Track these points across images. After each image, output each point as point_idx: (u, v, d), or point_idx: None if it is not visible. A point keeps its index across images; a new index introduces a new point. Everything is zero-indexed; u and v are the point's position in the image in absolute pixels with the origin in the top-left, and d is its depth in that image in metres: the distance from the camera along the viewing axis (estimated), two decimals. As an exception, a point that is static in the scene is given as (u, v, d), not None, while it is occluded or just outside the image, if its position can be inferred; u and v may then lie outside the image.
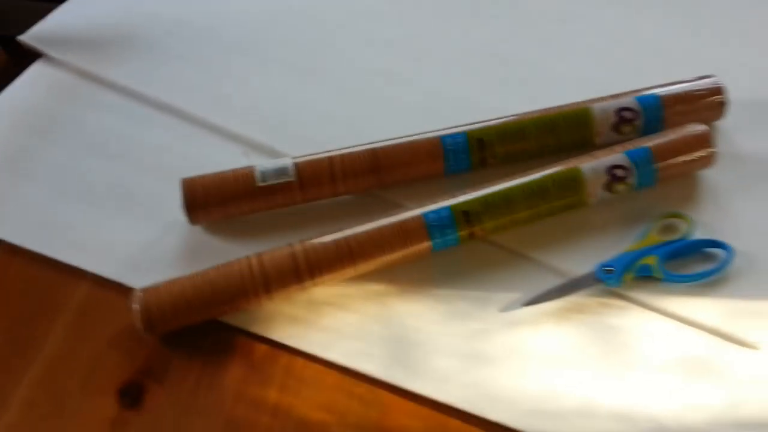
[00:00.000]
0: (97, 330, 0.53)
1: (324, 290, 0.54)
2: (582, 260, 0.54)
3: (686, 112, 0.60)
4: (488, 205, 0.54)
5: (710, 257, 0.54)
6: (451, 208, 0.54)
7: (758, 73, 0.67)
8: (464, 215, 0.54)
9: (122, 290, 0.54)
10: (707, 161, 0.57)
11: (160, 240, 0.58)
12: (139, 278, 0.53)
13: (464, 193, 0.55)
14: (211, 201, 0.56)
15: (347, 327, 0.52)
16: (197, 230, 0.58)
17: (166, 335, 0.52)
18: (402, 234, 0.53)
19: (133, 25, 0.74)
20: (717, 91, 0.61)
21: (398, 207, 0.55)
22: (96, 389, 0.50)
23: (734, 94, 0.61)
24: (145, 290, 0.52)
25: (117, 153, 0.64)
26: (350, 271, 0.53)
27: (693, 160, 0.57)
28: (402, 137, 0.59)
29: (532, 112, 0.60)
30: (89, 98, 0.68)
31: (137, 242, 0.58)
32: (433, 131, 0.59)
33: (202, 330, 0.52)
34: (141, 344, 0.52)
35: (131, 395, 0.50)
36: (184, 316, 0.51)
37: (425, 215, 0.53)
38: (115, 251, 0.57)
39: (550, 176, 0.55)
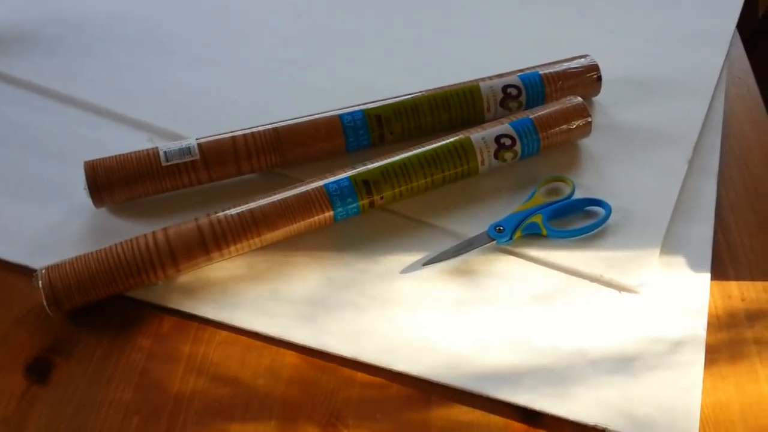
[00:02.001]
0: (1, 312, 0.53)
1: (232, 261, 0.56)
2: (476, 222, 0.57)
3: (566, 88, 0.65)
4: (387, 174, 0.57)
5: (590, 214, 0.59)
6: (350, 178, 0.57)
7: (628, 53, 0.73)
8: (364, 184, 0.57)
9: (27, 273, 0.54)
10: (585, 130, 0.62)
11: (65, 223, 0.58)
12: (43, 261, 0.53)
13: (364, 165, 0.58)
14: (115, 182, 0.57)
15: (255, 294, 0.54)
16: (103, 213, 0.59)
17: (74, 312, 0.52)
18: (305, 204, 0.55)
19: (35, 23, 0.75)
20: (592, 68, 0.66)
21: (303, 182, 0.58)
22: (2, 367, 0.50)
23: (608, 72, 0.67)
24: (49, 267, 0.52)
25: (20, 143, 0.64)
26: (256, 242, 0.55)
27: (572, 129, 0.62)
28: (303, 117, 0.61)
29: (426, 90, 0.63)
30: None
31: (42, 226, 0.58)
32: (333, 110, 0.62)
33: (109, 305, 0.53)
34: (47, 322, 0.52)
35: (38, 371, 0.50)
36: (89, 291, 0.52)
37: (326, 185, 0.56)
38: (18, 236, 0.57)
39: (444, 146, 0.59)
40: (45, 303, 0.51)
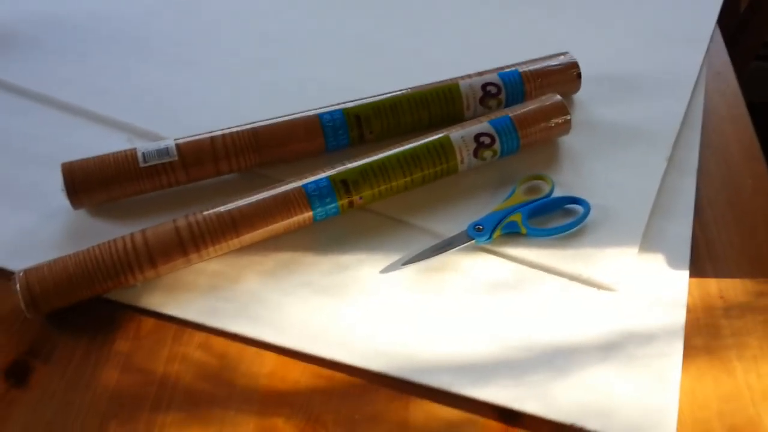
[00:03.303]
0: (-21, 315, 0.53)
1: (211, 262, 0.55)
2: (455, 221, 0.58)
3: (545, 86, 0.65)
4: (365, 174, 0.57)
5: (570, 212, 0.59)
6: (329, 178, 0.56)
7: (608, 50, 0.73)
8: (343, 184, 0.56)
9: (5, 276, 0.54)
10: (564, 128, 0.62)
11: (44, 225, 0.58)
12: (22, 263, 0.53)
13: (343, 165, 0.58)
14: (93, 184, 0.57)
15: (234, 296, 0.54)
16: (81, 214, 0.59)
17: (52, 315, 0.52)
18: (283, 204, 0.55)
19: (11, 24, 0.75)
20: (572, 66, 0.66)
21: (282, 183, 0.58)
22: (-21, 371, 0.50)
23: (588, 69, 0.67)
24: (27, 270, 0.52)
25: (-3, 145, 0.64)
26: (235, 243, 0.55)
27: (551, 127, 0.62)
28: (282, 116, 0.61)
29: (406, 89, 0.63)
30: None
31: (19, 229, 0.57)
32: (312, 109, 0.61)
33: (88, 308, 0.53)
34: (26, 325, 0.52)
35: (17, 375, 0.50)
36: (68, 294, 0.52)
37: (305, 186, 0.56)
38: (-4, 238, 0.57)
39: (423, 145, 0.59)
40: (23, 306, 0.51)
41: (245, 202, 0.55)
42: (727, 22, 0.81)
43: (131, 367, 0.50)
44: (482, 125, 0.60)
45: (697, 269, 0.56)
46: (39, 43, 0.73)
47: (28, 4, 0.78)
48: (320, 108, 0.62)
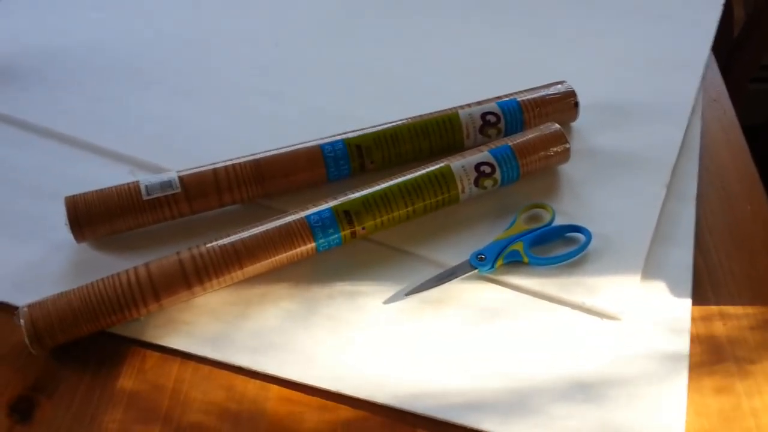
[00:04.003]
0: (-17, 351, 0.53)
1: (214, 294, 0.56)
2: (457, 251, 0.58)
3: (543, 115, 0.66)
4: (368, 204, 0.57)
5: (571, 241, 0.59)
6: (332, 209, 0.57)
7: (605, 78, 0.74)
8: (345, 215, 0.57)
9: (9, 310, 0.54)
10: (563, 156, 0.63)
11: (46, 259, 0.58)
12: (25, 298, 0.53)
13: (345, 195, 0.58)
14: (96, 217, 0.57)
15: (237, 328, 0.54)
16: (85, 248, 0.59)
17: (56, 349, 0.52)
18: (286, 236, 0.55)
19: (11, 56, 0.75)
20: (569, 94, 0.67)
21: (284, 214, 0.58)
22: (-17, 407, 0.50)
23: (585, 98, 0.68)
24: (31, 305, 0.52)
25: (-1, 178, 0.64)
26: (239, 275, 0.55)
27: (550, 156, 0.62)
28: (284, 147, 0.61)
29: (406, 119, 0.64)
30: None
31: (22, 262, 0.58)
32: (313, 140, 0.62)
33: (92, 342, 0.53)
34: (30, 360, 0.52)
35: (21, 410, 0.50)
36: (72, 329, 0.52)
37: (308, 217, 0.56)
38: (-1, 272, 0.57)
39: (424, 175, 0.59)
40: (27, 341, 0.51)
41: (248, 234, 0.55)
42: (721, 47, 0.82)
43: (136, 401, 0.50)
44: (482, 154, 0.61)
45: (699, 296, 0.56)
46: (40, 76, 0.73)
47: (28, 37, 0.78)
48: (321, 138, 0.62)
